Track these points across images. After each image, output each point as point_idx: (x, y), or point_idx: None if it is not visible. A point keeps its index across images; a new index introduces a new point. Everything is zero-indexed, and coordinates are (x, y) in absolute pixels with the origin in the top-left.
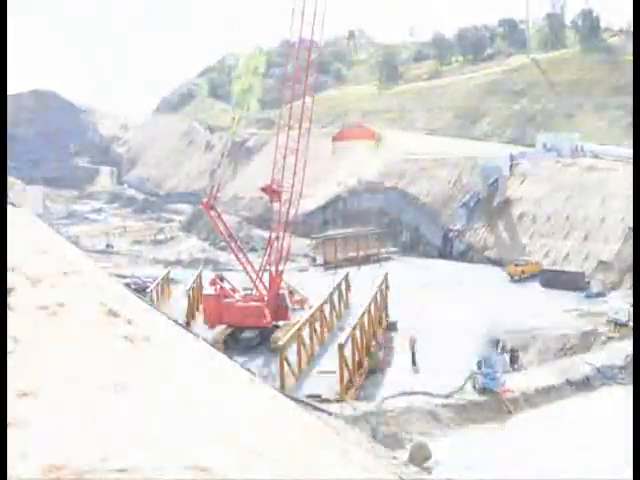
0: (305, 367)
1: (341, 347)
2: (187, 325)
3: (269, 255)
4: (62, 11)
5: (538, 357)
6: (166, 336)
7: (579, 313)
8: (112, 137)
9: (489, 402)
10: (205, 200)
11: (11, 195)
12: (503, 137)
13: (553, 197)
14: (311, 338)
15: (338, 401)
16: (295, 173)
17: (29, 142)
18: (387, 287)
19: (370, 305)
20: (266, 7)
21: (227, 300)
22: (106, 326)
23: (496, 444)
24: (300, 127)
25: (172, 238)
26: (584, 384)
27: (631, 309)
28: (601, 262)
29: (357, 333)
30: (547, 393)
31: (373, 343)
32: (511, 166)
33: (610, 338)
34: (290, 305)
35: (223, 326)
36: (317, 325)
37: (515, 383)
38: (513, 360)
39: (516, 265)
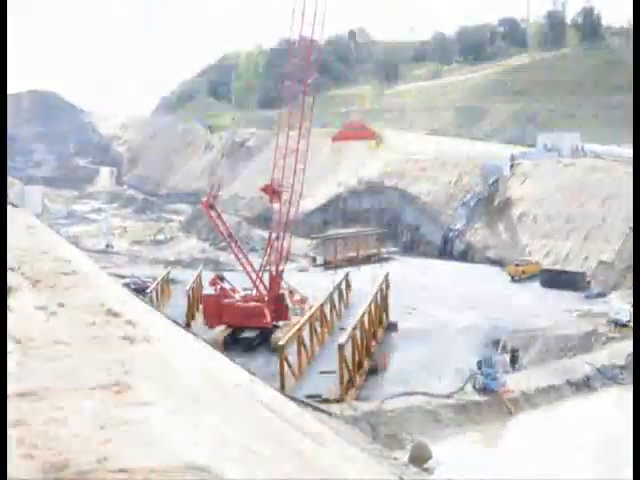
0: (305, 367)
1: (341, 347)
2: (187, 325)
3: (269, 255)
4: (62, 11)
5: (538, 357)
6: (166, 336)
7: (579, 313)
8: (112, 137)
9: (489, 402)
10: (205, 200)
11: (10, 195)
12: (504, 137)
13: (554, 197)
14: (311, 338)
15: (338, 401)
16: (295, 173)
17: (29, 142)
18: (387, 287)
19: (370, 305)
20: (266, 7)
21: (227, 300)
22: (106, 326)
23: (496, 444)
24: (300, 127)
25: (172, 238)
26: (584, 384)
27: (632, 309)
28: (602, 262)
29: (357, 333)
30: (547, 393)
31: (373, 343)
32: (512, 166)
33: (611, 338)
34: (290, 305)
35: (223, 326)
36: (317, 325)
37: (515, 383)
38: (513, 360)
39: (516, 265)
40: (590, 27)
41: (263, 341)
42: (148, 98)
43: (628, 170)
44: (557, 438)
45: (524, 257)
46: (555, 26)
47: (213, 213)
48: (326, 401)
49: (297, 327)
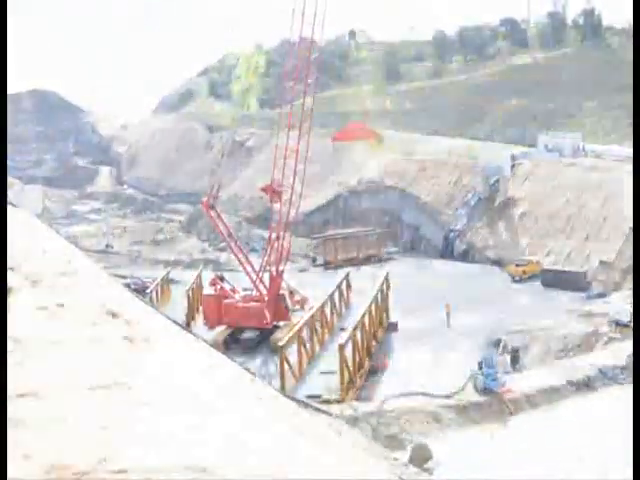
0: (305, 367)
1: (342, 347)
2: (187, 326)
3: (269, 255)
4: (62, 11)
5: (539, 358)
6: (166, 337)
7: (580, 313)
8: (112, 137)
9: (490, 403)
10: (205, 200)
11: (10, 195)
12: (504, 137)
13: (554, 197)
14: (311, 338)
15: (338, 402)
16: (295, 173)
17: (28, 142)
18: (388, 287)
19: (371, 305)
20: (266, 7)
21: (227, 300)
22: (106, 327)
23: (497, 444)
24: (300, 127)
25: (172, 238)
26: (585, 385)
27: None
28: (602, 262)
29: (358, 333)
30: (548, 394)
31: (374, 344)
32: (512, 166)
33: (612, 339)
34: (290, 305)
35: (223, 326)
36: (317, 325)
37: (516, 383)
38: (514, 360)
39: (517, 265)
40: (591, 27)
41: (263, 341)
42: (148, 98)
43: (629, 170)
44: (557, 438)
45: (525, 257)
46: (556, 26)
47: (213, 213)
48: (326, 401)
49: (297, 327)
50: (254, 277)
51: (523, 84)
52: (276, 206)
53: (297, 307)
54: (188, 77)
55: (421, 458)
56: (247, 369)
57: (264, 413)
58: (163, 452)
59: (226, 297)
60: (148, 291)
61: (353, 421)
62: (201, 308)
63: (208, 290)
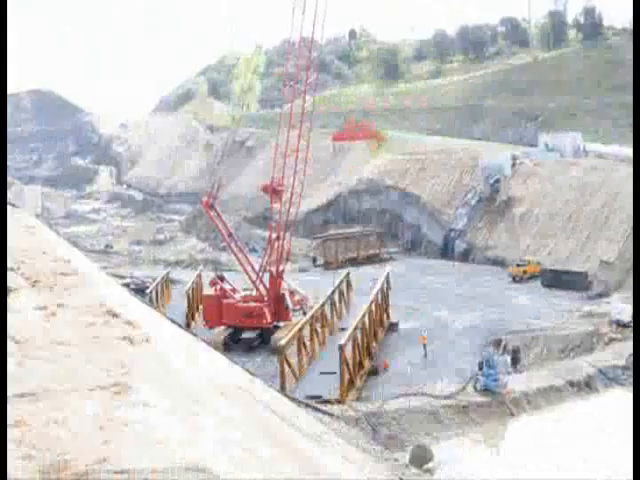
0: (306, 367)
1: (342, 348)
2: (187, 326)
3: (269, 255)
4: (62, 11)
5: (540, 358)
6: (166, 337)
7: (581, 314)
8: (111, 137)
9: (491, 403)
10: (205, 199)
11: (9, 195)
12: (505, 137)
13: (555, 197)
14: (312, 338)
15: (339, 402)
16: (295, 173)
17: (28, 142)
18: (389, 287)
19: (371, 305)
20: (266, 7)
21: (227, 300)
22: (105, 326)
23: (497, 445)
24: (300, 127)
25: (172, 238)
26: (586, 385)
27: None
28: (603, 262)
29: (358, 333)
30: (549, 394)
31: (374, 344)
32: (513, 165)
33: (612, 339)
34: (291, 305)
35: (223, 327)
36: (318, 325)
37: (517, 384)
38: (515, 361)
39: (518, 265)
40: (591, 27)
41: (263, 341)
42: (148, 98)
43: (630, 170)
44: (557, 438)
45: (525, 257)
46: (556, 26)
47: (213, 213)
48: (326, 402)
49: (297, 327)
50: (254, 277)
51: (524, 83)
52: (276, 206)
53: (297, 307)
54: (188, 77)
55: (422, 459)
56: (247, 369)
57: (264, 413)
58: (163, 452)
59: (226, 297)
60: (148, 291)
61: (353, 421)
62: (201, 308)
63: (208, 290)
